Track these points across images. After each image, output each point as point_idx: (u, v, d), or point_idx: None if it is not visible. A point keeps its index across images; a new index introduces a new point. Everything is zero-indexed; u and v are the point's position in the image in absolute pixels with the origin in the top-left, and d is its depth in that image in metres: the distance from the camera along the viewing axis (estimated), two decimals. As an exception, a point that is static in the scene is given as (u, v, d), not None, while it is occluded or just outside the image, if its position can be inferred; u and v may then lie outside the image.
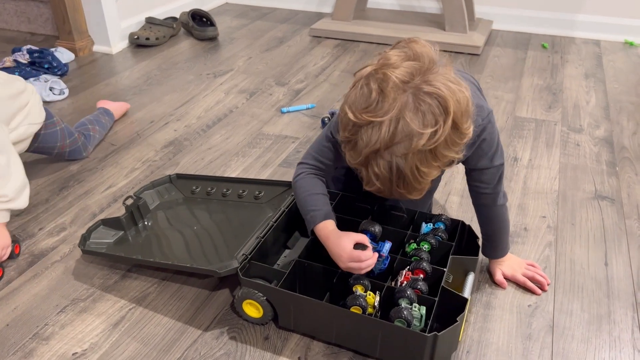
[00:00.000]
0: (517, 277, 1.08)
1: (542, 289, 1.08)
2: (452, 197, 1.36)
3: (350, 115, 0.80)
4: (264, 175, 1.45)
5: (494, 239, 1.08)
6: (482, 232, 1.09)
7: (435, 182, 1.29)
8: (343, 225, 1.10)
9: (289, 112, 1.79)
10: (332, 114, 1.68)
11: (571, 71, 2.14)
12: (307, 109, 1.81)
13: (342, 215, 1.12)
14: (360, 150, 0.81)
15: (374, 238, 0.99)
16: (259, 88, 1.97)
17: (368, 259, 0.91)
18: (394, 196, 0.86)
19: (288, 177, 1.43)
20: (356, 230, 1.02)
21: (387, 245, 0.97)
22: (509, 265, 1.10)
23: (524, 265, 1.11)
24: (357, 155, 0.83)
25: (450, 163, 0.84)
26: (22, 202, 1.16)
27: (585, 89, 1.98)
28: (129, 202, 1.19)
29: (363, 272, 0.93)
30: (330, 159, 1.02)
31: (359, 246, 0.93)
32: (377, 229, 1.00)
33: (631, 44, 2.42)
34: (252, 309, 0.97)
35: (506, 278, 1.10)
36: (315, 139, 1.06)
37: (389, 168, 0.80)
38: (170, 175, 1.30)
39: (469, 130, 0.82)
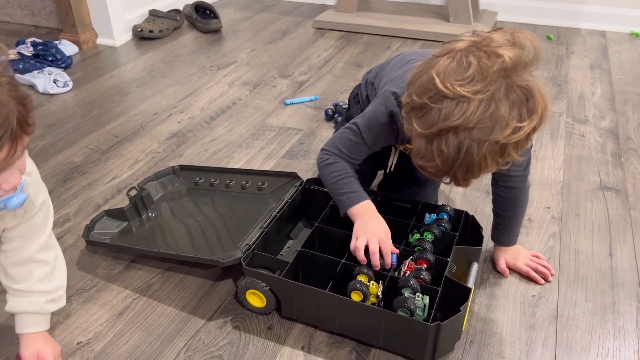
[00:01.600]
0: (520, 266, 1.08)
1: (546, 279, 1.08)
2: (456, 189, 1.36)
3: (438, 83, 0.76)
4: (267, 167, 1.45)
5: (511, 223, 1.07)
6: (499, 216, 1.07)
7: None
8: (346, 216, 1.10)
9: (292, 104, 1.79)
10: (336, 105, 1.67)
11: (576, 62, 2.12)
12: (311, 100, 1.81)
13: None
14: (434, 122, 0.77)
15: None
16: (262, 80, 1.96)
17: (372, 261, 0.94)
18: (440, 176, 0.83)
19: (291, 168, 1.43)
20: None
21: (395, 256, 0.98)
22: (513, 254, 1.09)
23: (528, 256, 1.10)
24: (427, 126, 0.78)
25: (506, 164, 0.83)
26: (63, 301, 0.91)
27: (590, 80, 1.97)
28: (133, 193, 1.19)
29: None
30: (354, 152, 1.02)
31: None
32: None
33: (637, 35, 2.40)
34: (256, 299, 0.97)
35: (509, 267, 1.09)
36: (339, 131, 1.05)
37: (457, 149, 0.77)
38: (173, 167, 1.30)
39: (533, 140, 0.81)
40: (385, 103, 0.97)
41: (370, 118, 1.00)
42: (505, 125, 0.75)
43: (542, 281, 1.07)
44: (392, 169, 1.26)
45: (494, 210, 1.09)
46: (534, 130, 0.78)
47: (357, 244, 0.96)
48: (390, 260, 0.96)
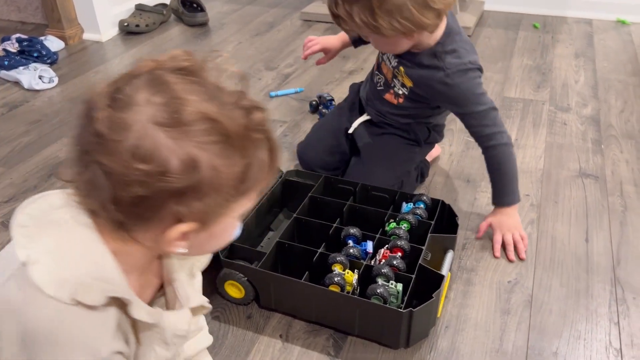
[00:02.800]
0: (497, 235, 1.12)
1: (519, 257, 1.11)
2: (437, 178, 1.37)
3: None
4: (250, 159, 1.46)
5: (499, 183, 1.13)
6: (490, 178, 1.14)
7: (409, 162, 1.29)
8: (325, 207, 1.11)
9: (277, 96, 1.80)
10: (320, 97, 1.68)
11: (561, 51, 2.13)
12: (296, 92, 1.81)
13: (323, 197, 1.13)
14: None
15: (356, 240, 1.03)
16: (248, 73, 1.97)
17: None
18: (359, 18, 0.95)
19: (274, 160, 1.44)
20: (336, 214, 1.08)
21: (370, 244, 1.02)
22: (499, 219, 1.13)
23: (514, 229, 1.12)
24: None
25: (419, 27, 0.96)
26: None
27: (574, 68, 1.98)
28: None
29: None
30: None
31: None
32: (357, 231, 1.03)
33: (623, 22, 2.41)
34: (234, 290, 0.98)
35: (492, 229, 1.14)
36: None
37: None
38: (156, 161, 1.31)
39: (439, 6, 0.94)
40: None
41: None
42: None
43: (513, 257, 1.10)
44: (351, 134, 1.32)
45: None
46: None
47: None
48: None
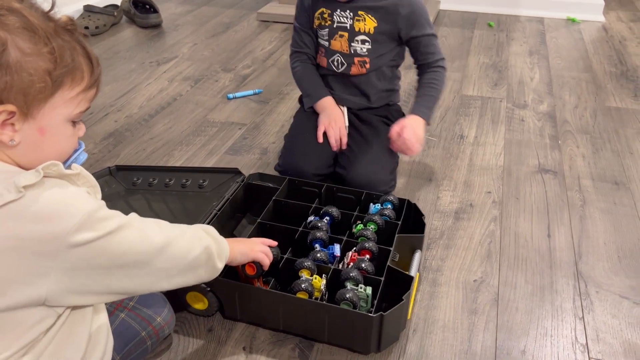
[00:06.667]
0: (402, 135, 1.18)
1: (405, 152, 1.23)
2: (400, 177, 1.36)
3: None
4: (209, 164, 1.41)
5: (424, 97, 1.25)
6: (417, 94, 1.27)
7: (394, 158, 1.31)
8: (289, 210, 1.08)
9: (235, 98, 1.75)
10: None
11: (516, 49, 2.17)
12: (255, 94, 1.78)
13: (287, 200, 1.10)
14: None
15: (323, 244, 1.00)
16: (204, 75, 1.92)
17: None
18: None
19: (234, 164, 1.40)
20: (302, 218, 1.04)
21: (337, 247, 1.00)
22: (413, 124, 1.20)
23: (412, 134, 1.19)
24: None
25: None
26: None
27: (529, 65, 2.02)
28: (65, 197, 1.13)
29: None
30: (297, 42, 1.33)
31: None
32: (324, 235, 1.01)
33: (573, 21, 2.48)
34: (197, 301, 0.94)
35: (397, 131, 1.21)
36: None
37: None
38: (109, 167, 1.25)
39: None
40: None
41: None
42: None
43: (395, 135, 1.20)
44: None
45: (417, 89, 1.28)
46: None
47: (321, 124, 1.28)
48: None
